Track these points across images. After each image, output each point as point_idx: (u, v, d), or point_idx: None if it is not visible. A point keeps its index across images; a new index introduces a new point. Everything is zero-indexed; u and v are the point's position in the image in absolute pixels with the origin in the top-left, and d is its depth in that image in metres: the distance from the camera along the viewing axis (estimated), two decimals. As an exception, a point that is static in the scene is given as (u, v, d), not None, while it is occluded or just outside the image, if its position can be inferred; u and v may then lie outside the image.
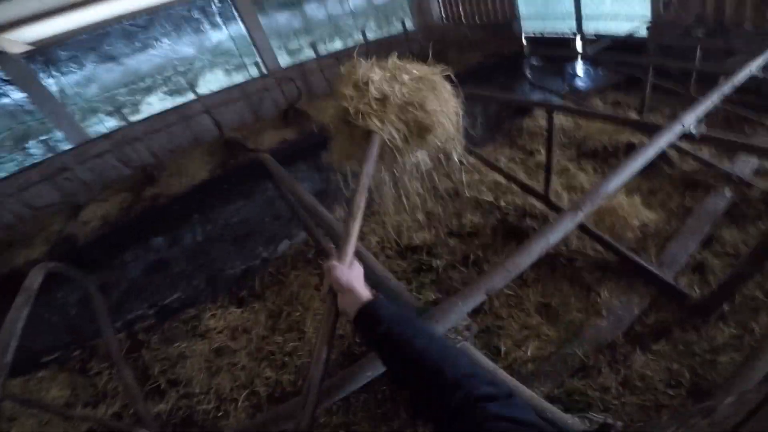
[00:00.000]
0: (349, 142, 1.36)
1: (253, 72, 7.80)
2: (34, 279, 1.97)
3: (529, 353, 2.13)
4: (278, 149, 5.65)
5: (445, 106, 1.34)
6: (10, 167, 6.48)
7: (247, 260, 3.84)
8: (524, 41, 7.49)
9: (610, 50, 5.59)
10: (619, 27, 6.02)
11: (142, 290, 3.99)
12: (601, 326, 2.13)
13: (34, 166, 6.11)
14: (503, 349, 2.20)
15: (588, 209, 1.28)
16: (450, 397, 0.60)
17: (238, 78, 7.89)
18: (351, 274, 0.92)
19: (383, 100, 1.27)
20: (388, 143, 1.28)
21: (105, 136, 6.59)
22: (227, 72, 8.06)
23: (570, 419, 1.19)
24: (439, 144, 1.38)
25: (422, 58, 1.47)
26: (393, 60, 1.38)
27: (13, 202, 6.00)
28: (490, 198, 3.48)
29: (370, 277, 1.24)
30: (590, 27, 6.71)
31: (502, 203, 3.37)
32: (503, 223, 3.14)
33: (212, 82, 7.91)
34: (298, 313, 2.85)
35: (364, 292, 0.88)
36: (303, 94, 7.22)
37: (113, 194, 6.06)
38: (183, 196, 5.26)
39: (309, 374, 0.83)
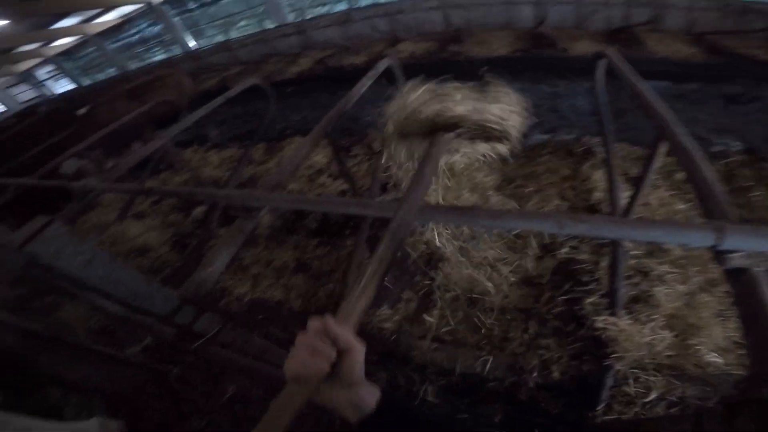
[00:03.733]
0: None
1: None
2: (381, 67, 2.45)
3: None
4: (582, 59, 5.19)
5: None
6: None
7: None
8: None
9: None
10: None
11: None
12: None
13: (380, 4, 8.62)
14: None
15: None
16: None
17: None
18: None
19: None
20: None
21: (438, -2, 7.85)
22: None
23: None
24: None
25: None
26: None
27: (360, 25, 8.73)
28: None
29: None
30: None
31: None
32: None
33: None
34: (527, 190, 2.79)
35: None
36: (650, 23, 6.19)
37: (424, 40, 7.32)
38: (477, 60, 5.72)
39: None
